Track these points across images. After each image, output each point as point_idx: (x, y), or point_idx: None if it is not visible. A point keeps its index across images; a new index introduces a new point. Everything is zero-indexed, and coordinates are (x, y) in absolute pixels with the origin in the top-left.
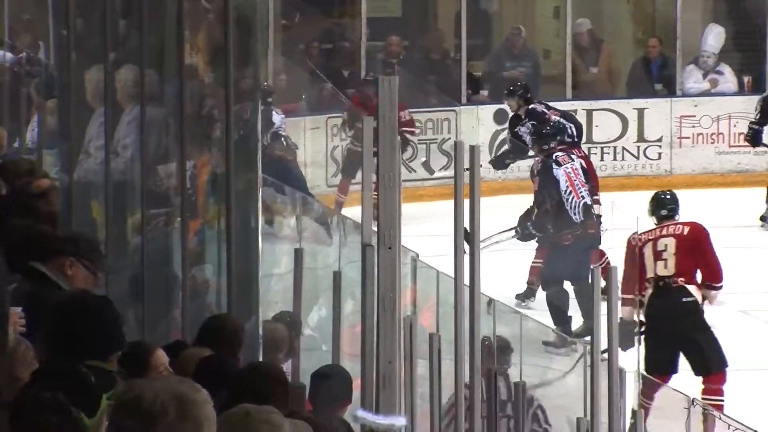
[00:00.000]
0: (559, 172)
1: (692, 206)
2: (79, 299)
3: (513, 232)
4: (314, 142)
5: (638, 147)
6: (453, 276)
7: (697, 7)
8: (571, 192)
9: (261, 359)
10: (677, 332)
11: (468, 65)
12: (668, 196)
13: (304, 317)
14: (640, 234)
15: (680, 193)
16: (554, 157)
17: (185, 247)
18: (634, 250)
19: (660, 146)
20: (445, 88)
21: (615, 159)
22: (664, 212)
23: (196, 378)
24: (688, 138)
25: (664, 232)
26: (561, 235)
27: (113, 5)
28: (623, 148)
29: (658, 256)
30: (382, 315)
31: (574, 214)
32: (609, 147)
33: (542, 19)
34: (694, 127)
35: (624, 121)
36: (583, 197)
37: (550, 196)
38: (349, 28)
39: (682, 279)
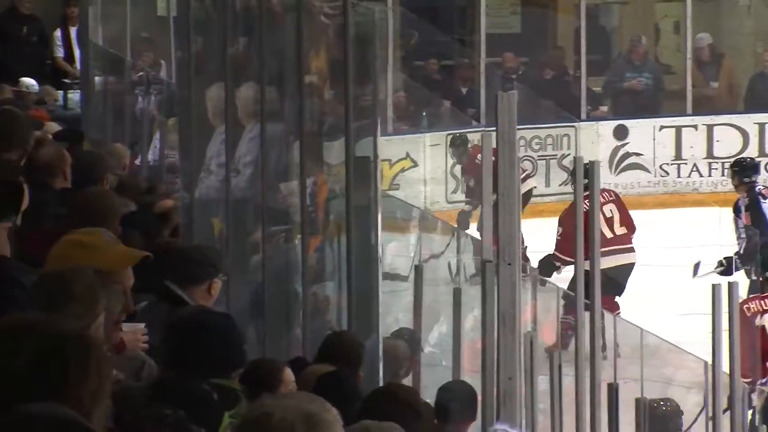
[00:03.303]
0: (765, 206)
1: None
2: (201, 316)
3: (720, 267)
4: (434, 158)
5: (760, 162)
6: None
7: None
8: None
9: (381, 376)
10: None
11: (587, 81)
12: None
13: (425, 334)
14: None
15: None
16: (758, 191)
17: (306, 264)
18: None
19: None
20: (565, 103)
21: None
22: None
23: (316, 394)
24: None
25: None
26: None
27: (233, 24)
28: None
29: None
30: (502, 331)
31: None
32: (730, 162)
33: (662, 34)
34: None
35: (745, 135)
36: None
37: (761, 230)
38: (468, 44)
39: None
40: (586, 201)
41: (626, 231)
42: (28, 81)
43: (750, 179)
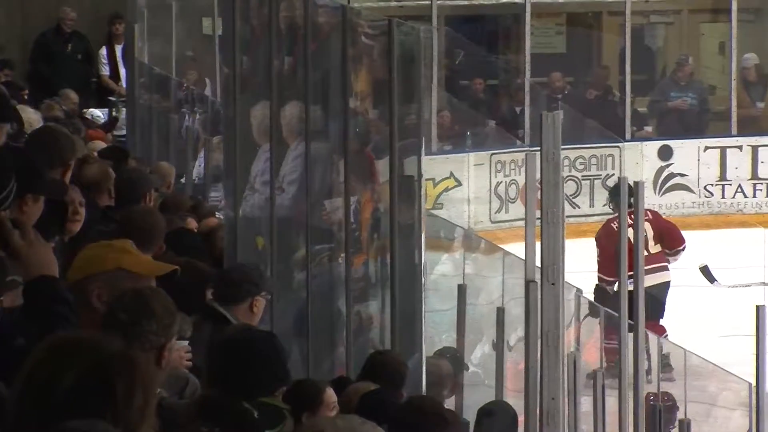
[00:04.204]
0: None
1: None
2: (245, 335)
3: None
4: (478, 178)
5: None
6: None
7: None
8: None
9: (424, 395)
10: None
11: (632, 101)
12: None
13: (468, 353)
14: None
15: None
16: None
17: (349, 283)
18: None
19: None
20: (609, 124)
21: None
22: None
23: (359, 413)
24: None
25: None
26: None
27: (278, 43)
28: None
29: None
30: (545, 351)
31: None
32: None
33: (707, 55)
34: None
35: None
36: None
37: None
38: (513, 64)
39: None
40: (614, 222)
41: (660, 249)
42: (95, 112)
43: None
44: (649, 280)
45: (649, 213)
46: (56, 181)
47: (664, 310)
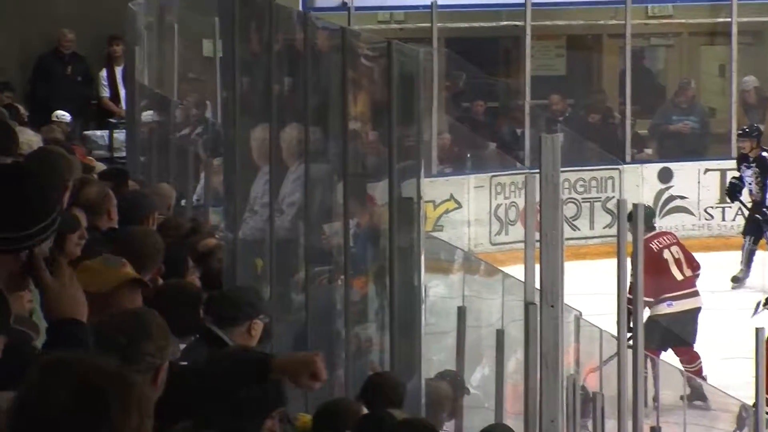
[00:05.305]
0: None
1: None
2: (239, 357)
3: None
4: (478, 200)
5: None
6: (616, 335)
7: None
8: None
9: (420, 417)
10: None
11: (632, 123)
12: None
13: (468, 375)
14: None
15: None
16: None
17: (348, 305)
18: None
19: None
20: (609, 146)
21: None
22: None
23: None
24: None
25: None
26: None
27: (278, 65)
28: None
29: None
30: (544, 373)
31: None
32: None
33: (707, 77)
34: None
35: None
36: None
37: None
38: (513, 86)
39: None
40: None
41: (692, 272)
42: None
43: None
44: (685, 305)
45: (673, 236)
46: (69, 215)
47: (696, 335)
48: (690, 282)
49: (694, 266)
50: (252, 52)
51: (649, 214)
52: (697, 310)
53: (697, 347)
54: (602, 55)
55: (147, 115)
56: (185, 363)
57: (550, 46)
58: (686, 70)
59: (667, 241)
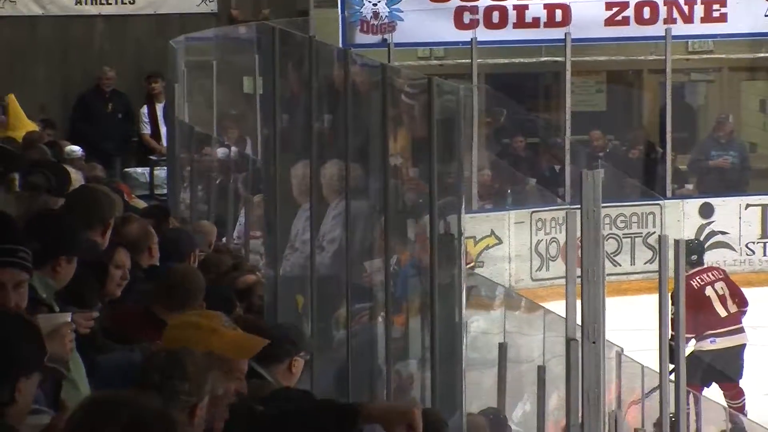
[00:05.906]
0: None
1: None
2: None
3: None
4: (518, 236)
5: None
6: (658, 371)
7: None
8: None
9: None
10: None
11: (672, 158)
12: None
13: (509, 412)
14: None
15: None
16: None
17: (389, 342)
18: None
19: None
20: (650, 181)
21: None
22: None
23: None
24: None
25: None
26: None
27: (318, 101)
28: None
29: None
30: (586, 410)
31: None
32: None
33: (748, 113)
34: None
35: None
36: None
37: None
38: (553, 122)
39: None
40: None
41: (737, 308)
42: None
43: None
44: (729, 342)
45: (720, 272)
46: (91, 242)
47: (742, 371)
48: (735, 318)
49: (741, 302)
50: (292, 89)
51: (699, 248)
52: (743, 346)
53: (741, 383)
54: (642, 91)
55: (187, 153)
56: (263, 408)
57: (590, 82)
58: (727, 105)
59: (712, 278)
